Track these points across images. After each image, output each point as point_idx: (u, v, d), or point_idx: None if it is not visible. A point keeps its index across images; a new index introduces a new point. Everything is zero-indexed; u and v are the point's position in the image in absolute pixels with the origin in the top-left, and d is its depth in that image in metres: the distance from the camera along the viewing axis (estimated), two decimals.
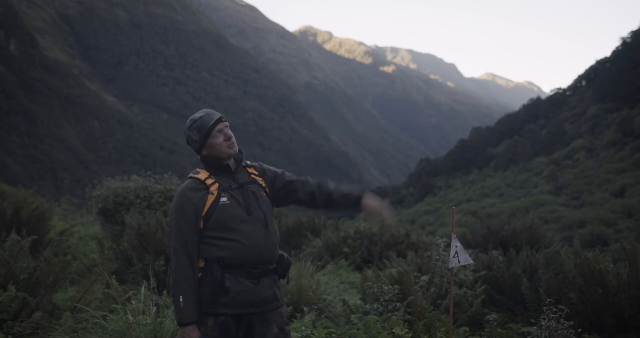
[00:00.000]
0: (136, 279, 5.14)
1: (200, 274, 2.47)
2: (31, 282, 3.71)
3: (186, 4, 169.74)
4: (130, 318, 3.39)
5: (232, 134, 2.55)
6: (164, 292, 4.06)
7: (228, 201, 2.49)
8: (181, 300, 2.38)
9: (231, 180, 2.56)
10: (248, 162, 2.69)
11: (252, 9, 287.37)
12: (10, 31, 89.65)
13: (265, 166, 2.73)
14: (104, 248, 6.32)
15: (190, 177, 2.58)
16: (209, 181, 2.52)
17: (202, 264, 2.48)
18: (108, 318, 3.51)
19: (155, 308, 3.60)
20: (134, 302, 3.51)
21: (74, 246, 7.39)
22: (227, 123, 2.57)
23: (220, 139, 2.52)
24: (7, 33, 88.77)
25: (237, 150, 2.57)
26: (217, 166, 2.56)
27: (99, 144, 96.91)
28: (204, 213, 2.47)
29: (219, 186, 2.52)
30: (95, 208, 7.70)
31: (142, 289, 3.76)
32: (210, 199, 2.48)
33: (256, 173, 2.67)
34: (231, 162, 2.59)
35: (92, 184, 8.30)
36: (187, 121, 2.58)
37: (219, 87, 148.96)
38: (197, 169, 2.61)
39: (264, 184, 2.65)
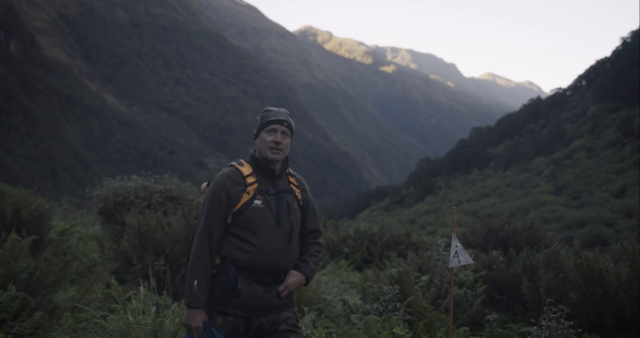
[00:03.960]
0: (136, 279, 5.15)
1: (214, 271, 2.48)
2: (31, 282, 3.70)
3: (186, 4, 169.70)
4: (130, 318, 3.39)
5: (283, 142, 2.53)
6: (164, 292, 4.06)
7: (261, 206, 2.49)
8: (195, 283, 2.40)
9: (271, 184, 2.56)
10: (291, 170, 2.69)
11: (252, 9, 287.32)
12: (10, 31, 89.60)
13: (308, 188, 2.73)
14: (104, 248, 6.32)
15: (232, 165, 2.57)
16: (250, 180, 2.52)
17: (218, 261, 2.49)
18: (108, 318, 3.51)
19: (155, 308, 3.60)
20: (134, 302, 3.51)
21: (74, 246, 7.38)
22: (287, 130, 2.55)
23: (269, 137, 2.52)
24: (7, 33, 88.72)
25: (280, 159, 2.55)
26: (263, 167, 2.55)
27: (99, 144, 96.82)
28: (235, 209, 2.48)
29: (257, 187, 2.51)
30: (96, 208, 7.70)
31: (142, 289, 3.76)
32: (245, 198, 2.48)
33: (296, 183, 2.67)
34: (277, 166, 2.58)
35: (92, 184, 8.30)
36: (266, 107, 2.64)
37: (219, 87, 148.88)
38: (242, 160, 2.61)
39: (299, 197, 2.65)
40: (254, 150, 2.61)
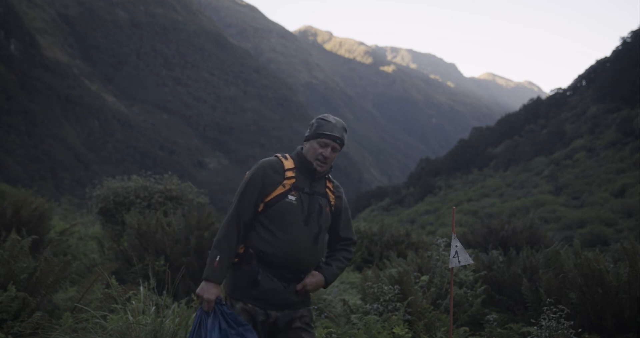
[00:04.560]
0: (136, 279, 5.15)
1: (237, 259, 2.51)
2: (31, 282, 3.70)
3: (186, 4, 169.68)
4: (130, 318, 3.38)
5: (331, 157, 2.56)
6: (164, 292, 4.06)
7: (294, 202, 2.52)
8: (217, 259, 2.43)
9: (308, 184, 2.58)
10: (330, 176, 2.71)
11: (252, 9, 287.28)
12: (10, 31, 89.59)
13: (344, 196, 2.75)
14: (104, 248, 6.32)
15: (277, 156, 2.61)
16: (289, 174, 2.55)
17: (242, 250, 2.52)
18: (108, 318, 3.51)
19: (155, 308, 3.60)
20: (134, 302, 3.51)
21: (74, 246, 7.38)
22: (338, 146, 2.58)
23: (318, 150, 2.55)
24: (7, 33, 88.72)
25: (324, 171, 2.59)
26: (306, 165, 2.58)
27: (99, 144, 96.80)
28: (267, 199, 2.51)
29: (294, 182, 2.54)
30: (96, 208, 7.70)
31: (142, 289, 3.76)
32: (280, 190, 2.51)
33: (332, 189, 2.69)
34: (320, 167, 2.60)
35: (92, 184, 8.30)
36: (324, 114, 2.64)
37: (219, 87, 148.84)
38: (287, 155, 2.64)
39: (333, 202, 2.67)
40: (302, 148, 2.64)
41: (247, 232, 2.52)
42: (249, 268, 2.48)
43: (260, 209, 2.51)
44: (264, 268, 2.48)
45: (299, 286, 2.54)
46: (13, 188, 14.92)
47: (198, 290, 2.45)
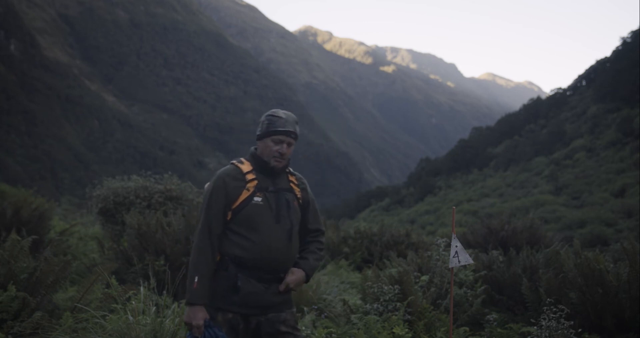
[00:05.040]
0: (136, 279, 5.14)
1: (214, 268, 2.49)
2: (31, 282, 3.70)
3: (186, 4, 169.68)
4: (130, 318, 3.38)
5: (287, 152, 2.54)
6: (164, 292, 4.06)
7: (261, 203, 2.50)
8: (196, 280, 2.40)
9: (270, 182, 2.56)
10: (291, 169, 2.68)
11: (252, 9, 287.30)
12: (10, 31, 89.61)
13: (309, 187, 2.72)
14: (104, 248, 6.32)
15: (233, 164, 2.59)
16: (250, 176, 2.53)
17: (218, 258, 2.49)
18: (108, 318, 3.51)
19: (155, 308, 3.60)
20: (134, 302, 3.51)
21: (74, 246, 7.38)
22: (293, 141, 2.55)
23: (273, 148, 2.53)
24: (7, 33, 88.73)
25: (282, 166, 2.56)
26: (263, 165, 2.56)
27: (99, 144, 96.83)
28: (234, 206, 2.48)
29: (257, 184, 2.52)
30: (96, 208, 7.69)
31: (142, 289, 3.76)
32: (245, 195, 2.49)
33: (296, 182, 2.67)
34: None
35: (92, 184, 8.29)
36: (272, 110, 2.60)
37: (219, 87, 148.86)
38: (242, 159, 2.62)
39: (299, 195, 2.64)
40: (256, 149, 2.61)
41: (220, 241, 2.49)
42: (227, 274, 2.45)
43: (229, 217, 2.49)
44: (242, 272, 2.45)
45: (282, 287, 2.51)
46: (13, 188, 14.92)
47: (185, 319, 2.41)
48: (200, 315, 2.39)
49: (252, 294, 2.46)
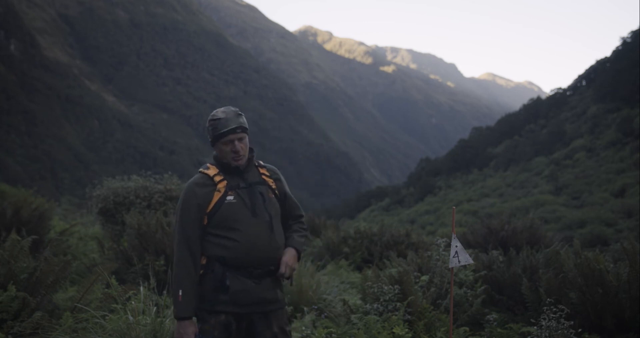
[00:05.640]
0: (136, 279, 5.14)
1: (202, 271, 2.48)
2: (31, 282, 3.70)
3: (186, 4, 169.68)
4: (130, 318, 3.38)
5: (241, 148, 2.52)
6: (164, 292, 4.06)
7: (234, 200, 2.49)
8: (180, 294, 2.40)
9: (240, 179, 2.56)
10: (261, 162, 2.68)
11: (252, 9, 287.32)
12: (10, 31, 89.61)
13: (282, 177, 2.71)
14: (104, 248, 6.32)
15: (200, 172, 2.58)
16: (218, 178, 2.53)
17: (204, 261, 2.48)
18: (108, 318, 3.51)
19: (155, 308, 3.60)
20: (134, 302, 3.51)
21: (74, 246, 7.37)
22: (243, 134, 2.52)
23: (227, 148, 2.51)
24: (7, 33, 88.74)
25: (243, 162, 2.55)
26: (227, 167, 2.56)
27: (99, 144, 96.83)
28: (208, 210, 2.47)
29: (227, 184, 2.52)
30: (96, 208, 7.69)
31: (142, 289, 3.76)
32: (217, 196, 2.48)
33: (268, 174, 2.66)
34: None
35: (92, 184, 8.29)
36: (211, 113, 2.58)
37: (219, 87, 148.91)
38: (208, 164, 2.61)
39: (274, 186, 2.63)
40: (214, 156, 2.62)
41: (203, 246, 2.49)
42: (214, 275, 2.44)
43: (205, 222, 2.48)
44: (229, 271, 2.44)
45: (282, 269, 2.51)
46: (13, 188, 14.91)
47: (176, 335, 2.41)
48: (191, 330, 2.40)
49: (242, 292, 2.44)
